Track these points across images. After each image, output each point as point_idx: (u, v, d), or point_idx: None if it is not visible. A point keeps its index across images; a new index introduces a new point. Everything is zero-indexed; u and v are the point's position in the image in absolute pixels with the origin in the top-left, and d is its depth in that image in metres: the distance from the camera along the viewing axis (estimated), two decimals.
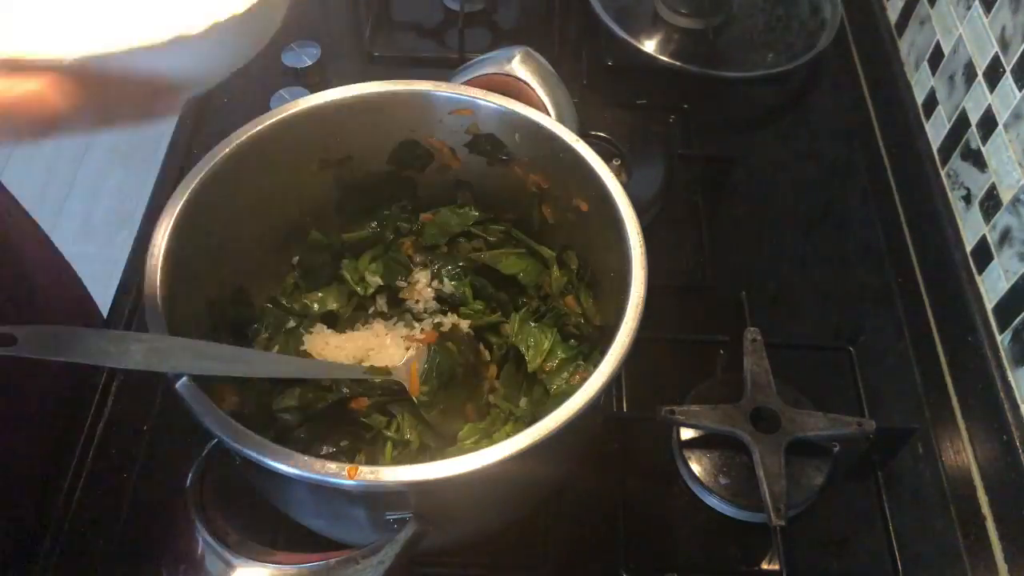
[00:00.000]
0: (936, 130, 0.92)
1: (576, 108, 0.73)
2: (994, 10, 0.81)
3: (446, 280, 0.73)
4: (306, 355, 0.67)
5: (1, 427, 0.76)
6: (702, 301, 0.87)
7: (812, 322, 0.87)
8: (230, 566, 0.48)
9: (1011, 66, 0.78)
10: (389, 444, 0.65)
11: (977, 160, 0.83)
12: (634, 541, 0.70)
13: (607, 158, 0.81)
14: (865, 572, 0.72)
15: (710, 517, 0.72)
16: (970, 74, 0.85)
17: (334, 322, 0.72)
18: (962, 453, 0.77)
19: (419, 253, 0.75)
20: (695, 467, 0.72)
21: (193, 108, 0.97)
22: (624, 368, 0.54)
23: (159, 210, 0.59)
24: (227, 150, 0.62)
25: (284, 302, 0.71)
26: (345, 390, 0.65)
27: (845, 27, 1.09)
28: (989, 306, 0.79)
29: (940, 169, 0.90)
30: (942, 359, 0.82)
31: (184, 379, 0.52)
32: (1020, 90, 0.76)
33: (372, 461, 0.65)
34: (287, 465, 0.49)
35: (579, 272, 0.70)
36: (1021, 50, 0.76)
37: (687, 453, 0.73)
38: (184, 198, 0.59)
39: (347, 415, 0.66)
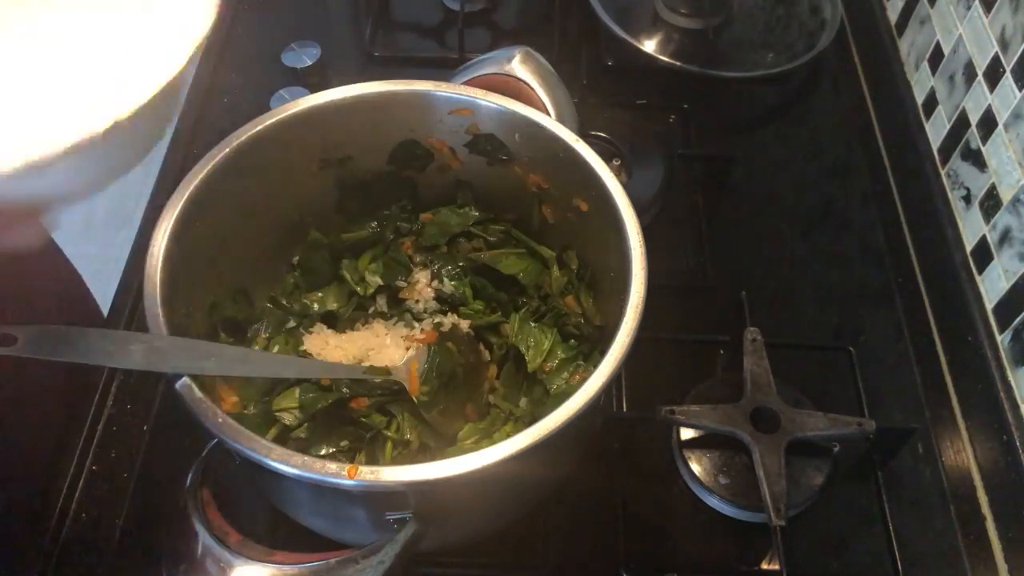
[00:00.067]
0: (936, 130, 0.92)
1: (576, 108, 0.73)
2: (994, 10, 0.81)
3: (446, 280, 0.73)
4: (306, 355, 0.67)
5: (1, 427, 0.76)
6: (702, 301, 0.87)
7: (812, 322, 0.87)
8: (230, 566, 0.48)
9: (1011, 66, 0.78)
10: (389, 444, 0.65)
11: (977, 160, 0.83)
12: (634, 541, 0.70)
13: (607, 158, 0.81)
14: (865, 572, 0.72)
15: (710, 517, 0.72)
16: (970, 74, 0.85)
17: (334, 322, 0.72)
18: (962, 453, 0.77)
19: (419, 253, 0.75)
20: (695, 467, 0.72)
21: (193, 108, 0.97)
22: (624, 368, 0.54)
23: (159, 210, 0.59)
24: (227, 150, 0.62)
25: (284, 302, 0.71)
26: (345, 390, 0.65)
27: (845, 27, 1.09)
28: (989, 306, 0.79)
29: (940, 169, 0.90)
30: (942, 359, 0.82)
31: (184, 379, 0.52)
32: (1020, 90, 0.76)
33: (372, 461, 0.65)
34: (287, 465, 0.49)
35: (579, 272, 0.70)
36: (1021, 50, 0.76)
37: (687, 453, 0.73)
38: (184, 198, 0.59)
39: (347, 415, 0.65)
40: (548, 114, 0.68)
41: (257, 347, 0.68)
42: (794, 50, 1.05)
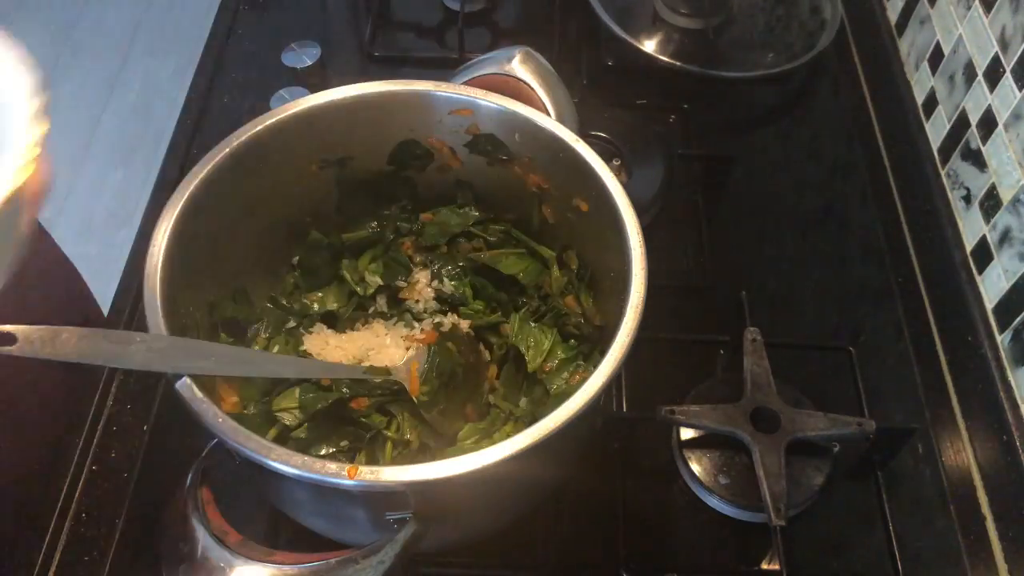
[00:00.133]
0: (936, 130, 0.92)
1: (576, 108, 0.73)
2: (994, 10, 0.81)
3: (446, 280, 0.73)
4: (306, 355, 0.67)
5: (1, 427, 0.76)
6: (702, 301, 0.87)
7: (812, 322, 0.87)
8: (230, 566, 0.48)
9: (1011, 66, 0.78)
10: (389, 444, 0.65)
11: (977, 160, 0.83)
12: (634, 541, 0.70)
13: (607, 158, 0.81)
14: (865, 572, 0.72)
15: (710, 517, 0.72)
16: (970, 74, 0.85)
17: (334, 322, 0.72)
18: (962, 453, 0.77)
19: (419, 253, 0.75)
20: (695, 467, 0.72)
21: (193, 108, 0.97)
22: (624, 368, 0.54)
23: (159, 210, 0.59)
24: (227, 150, 0.62)
25: (284, 302, 0.71)
26: (345, 390, 0.65)
27: (845, 27, 1.09)
28: (989, 306, 0.79)
29: (940, 169, 0.90)
30: (942, 359, 0.82)
31: (184, 379, 0.52)
32: (1020, 90, 0.76)
33: (372, 461, 0.65)
34: (287, 465, 0.49)
35: (579, 272, 0.70)
36: (1021, 50, 0.76)
37: (687, 453, 0.73)
38: (184, 198, 0.59)
39: (347, 415, 0.65)
40: (548, 114, 0.68)
41: (257, 347, 0.68)
42: (794, 50, 1.05)
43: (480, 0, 1.10)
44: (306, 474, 0.49)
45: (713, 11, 1.07)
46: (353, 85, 0.66)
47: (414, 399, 0.65)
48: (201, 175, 0.60)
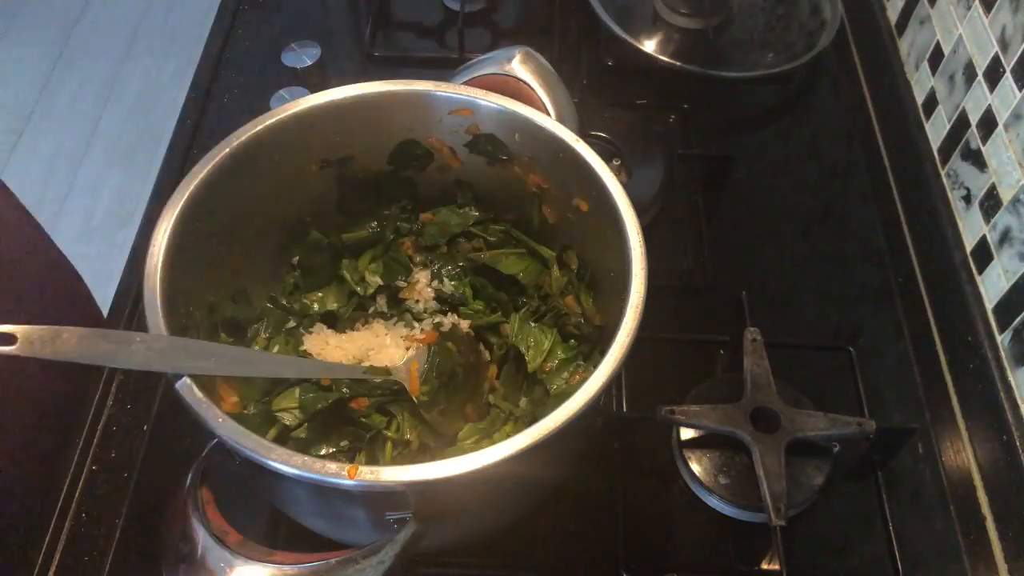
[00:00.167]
0: (936, 130, 0.92)
1: (576, 108, 0.73)
2: (994, 10, 0.81)
3: (446, 280, 0.73)
4: (306, 355, 0.67)
5: (1, 427, 0.76)
6: (702, 301, 0.87)
7: (812, 322, 0.87)
8: (230, 566, 0.48)
9: (1011, 66, 0.78)
10: (389, 444, 0.65)
11: (977, 160, 0.83)
12: (634, 541, 0.70)
13: (607, 158, 0.81)
14: (865, 572, 0.72)
15: (710, 517, 0.72)
16: (970, 74, 0.85)
17: (334, 322, 0.72)
18: (962, 453, 0.77)
19: (419, 253, 0.75)
20: (695, 467, 0.72)
21: (193, 108, 0.97)
22: (624, 368, 0.54)
23: (159, 210, 0.59)
24: (227, 150, 0.62)
25: (284, 302, 0.71)
26: (345, 390, 0.65)
27: (845, 27, 1.09)
28: (989, 306, 0.79)
29: (940, 169, 0.90)
30: (942, 359, 0.82)
31: (184, 379, 0.52)
32: (1020, 90, 0.76)
33: (372, 461, 0.65)
34: (287, 465, 0.49)
35: (579, 272, 0.70)
36: (1021, 50, 0.76)
37: (687, 453, 0.73)
38: (184, 198, 0.59)
39: (347, 415, 0.65)
40: (548, 114, 0.68)
41: (257, 347, 0.68)
42: (794, 50, 1.05)
43: (480, 0, 1.10)
44: (306, 474, 0.49)
45: (713, 11, 1.07)
46: (353, 85, 0.66)
47: (414, 399, 0.65)
48: (201, 175, 0.60)
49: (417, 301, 0.73)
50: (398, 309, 0.73)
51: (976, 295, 0.81)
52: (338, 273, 0.74)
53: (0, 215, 0.85)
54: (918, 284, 0.87)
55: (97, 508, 0.71)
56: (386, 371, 0.65)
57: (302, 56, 0.99)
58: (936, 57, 0.93)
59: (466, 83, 0.70)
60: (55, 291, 0.90)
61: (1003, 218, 0.78)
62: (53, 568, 0.68)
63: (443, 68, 0.98)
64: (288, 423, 0.64)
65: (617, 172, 0.85)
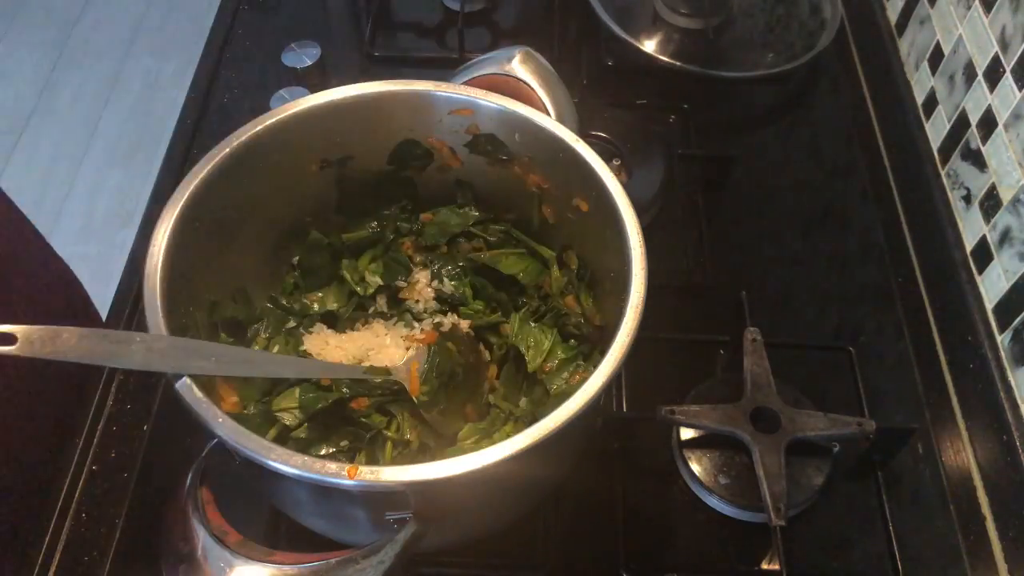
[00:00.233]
0: (936, 130, 0.92)
1: (576, 108, 0.73)
2: (994, 10, 0.81)
3: (446, 280, 0.73)
4: (306, 355, 0.67)
5: (1, 427, 0.76)
6: (702, 301, 0.87)
7: (812, 322, 0.87)
8: (230, 566, 0.48)
9: (1011, 66, 0.78)
10: (389, 444, 0.65)
11: (977, 160, 0.83)
12: (634, 541, 0.70)
13: (607, 158, 0.81)
14: (865, 572, 0.72)
15: (710, 517, 0.72)
16: (970, 74, 0.85)
17: (334, 322, 0.72)
18: (962, 453, 0.77)
19: (419, 253, 0.75)
20: (695, 467, 0.72)
21: (193, 108, 0.97)
22: (624, 368, 0.54)
23: (159, 210, 0.59)
24: (227, 150, 0.62)
25: (284, 302, 0.71)
26: (345, 390, 0.65)
27: (845, 27, 1.09)
28: (989, 306, 0.79)
29: (940, 169, 0.90)
30: (942, 359, 0.82)
31: (184, 379, 0.52)
32: (1020, 90, 0.76)
33: (372, 461, 0.65)
34: (287, 465, 0.49)
35: (579, 272, 0.70)
36: (1021, 50, 0.76)
37: (687, 453, 0.73)
38: (184, 198, 0.59)
39: (347, 415, 0.65)
40: (548, 114, 0.68)
41: (257, 347, 0.68)
42: (794, 50, 1.05)
43: (480, 0, 1.10)
44: (306, 474, 0.49)
45: (713, 11, 1.07)
46: (353, 85, 0.66)
47: (414, 399, 0.65)
48: (201, 175, 0.60)
49: (417, 301, 0.73)
50: (398, 309, 0.73)
51: (976, 295, 0.81)
52: (338, 273, 0.74)
53: None
54: (918, 284, 0.87)
55: (97, 508, 0.71)
56: (386, 371, 0.65)
57: (302, 56, 0.99)
58: (936, 57, 0.93)
59: (466, 83, 0.70)
60: (55, 291, 0.90)
61: (1003, 218, 0.78)
62: (53, 568, 0.68)
63: (443, 68, 0.98)
64: (288, 423, 0.64)
65: (617, 172, 0.85)
